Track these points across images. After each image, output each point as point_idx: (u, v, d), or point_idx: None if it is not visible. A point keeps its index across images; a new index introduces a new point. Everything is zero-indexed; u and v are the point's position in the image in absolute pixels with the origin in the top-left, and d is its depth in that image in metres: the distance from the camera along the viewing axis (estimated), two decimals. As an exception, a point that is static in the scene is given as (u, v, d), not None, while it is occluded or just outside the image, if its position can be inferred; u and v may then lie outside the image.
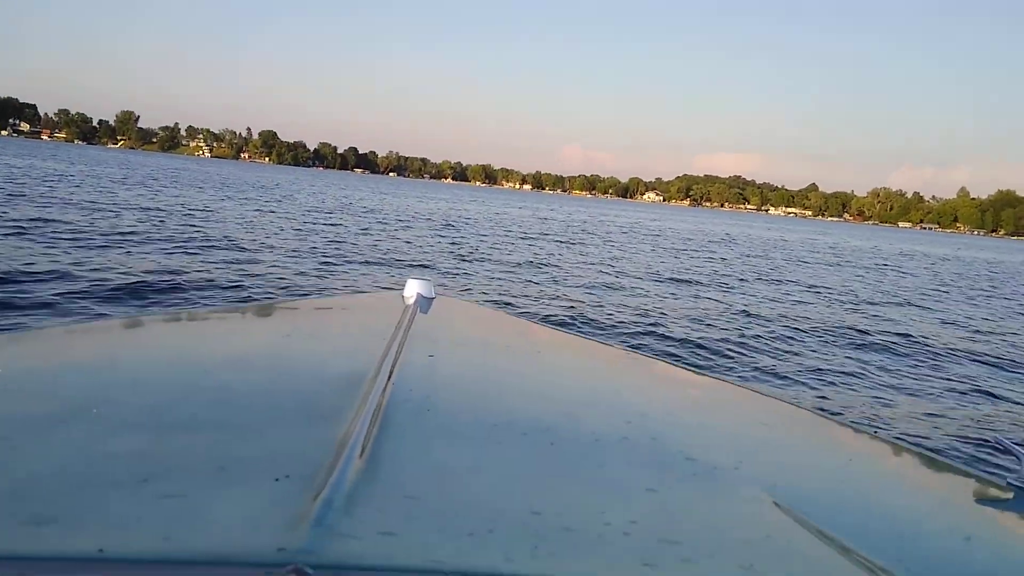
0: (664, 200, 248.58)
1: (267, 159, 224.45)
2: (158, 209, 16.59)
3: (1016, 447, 1.12)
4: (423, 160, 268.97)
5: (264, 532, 0.60)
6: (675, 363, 1.98)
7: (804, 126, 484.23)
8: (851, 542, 0.76)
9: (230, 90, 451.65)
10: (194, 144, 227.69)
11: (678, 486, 0.86)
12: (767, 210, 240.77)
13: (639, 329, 7.98)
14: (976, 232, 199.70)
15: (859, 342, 8.62)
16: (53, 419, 0.86)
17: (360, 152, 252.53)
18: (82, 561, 0.55)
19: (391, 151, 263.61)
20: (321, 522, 0.61)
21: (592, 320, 8.36)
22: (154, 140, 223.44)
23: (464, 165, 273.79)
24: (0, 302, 5.93)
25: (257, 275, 8.96)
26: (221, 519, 0.63)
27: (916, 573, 0.71)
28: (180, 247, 10.64)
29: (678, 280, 13.55)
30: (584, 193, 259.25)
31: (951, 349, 8.75)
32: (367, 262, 11.53)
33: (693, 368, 2.10)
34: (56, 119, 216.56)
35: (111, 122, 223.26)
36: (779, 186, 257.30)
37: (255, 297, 7.61)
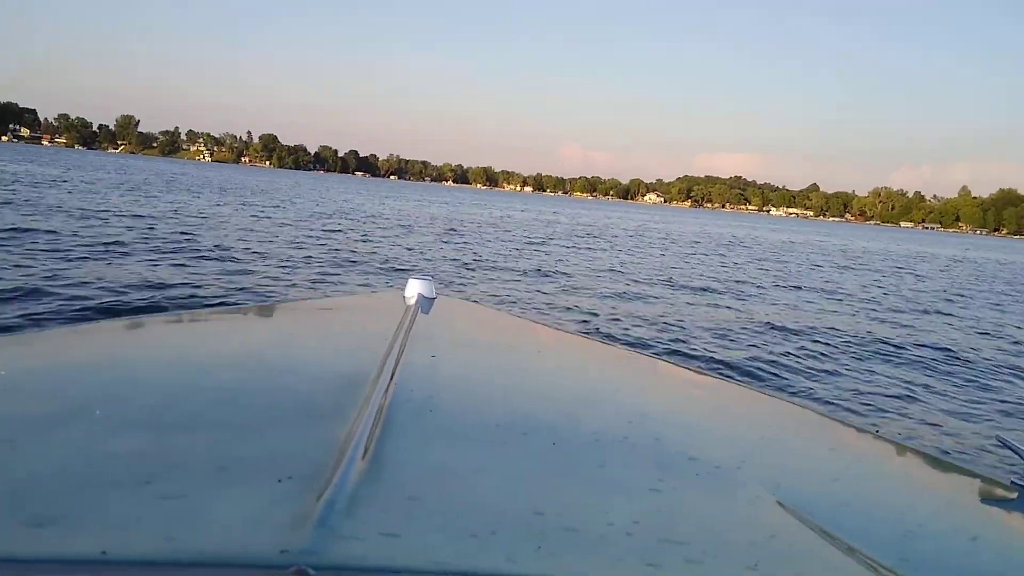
0: (665, 201, 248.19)
1: (268, 163, 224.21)
2: (150, 216, 15.96)
3: (1020, 445, 1.11)
4: (424, 163, 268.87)
5: (266, 533, 0.60)
6: (676, 362, 1.95)
7: (804, 126, 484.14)
8: (856, 542, 0.75)
9: (230, 94, 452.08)
10: (194, 148, 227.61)
11: (681, 486, 0.86)
12: (768, 211, 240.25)
13: (661, 347, 7.35)
14: (978, 231, 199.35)
15: (897, 357, 7.98)
16: (55, 420, 0.86)
17: (361, 155, 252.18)
18: (85, 563, 0.54)
19: (392, 154, 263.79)
20: (324, 523, 0.61)
21: (609, 335, 7.73)
22: (154, 144, 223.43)
23: (465, 168, 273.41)
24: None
25: (246, 288, 8.33)
26: (223, 520, 0.62)
27: (921, 572, 0.70)
28: (166, 257, 10.01)
29: (693, 288, 12.90)
30: (585, 195, 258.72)
31: (996, 365, 8.10)
32: (366, 272, 10.90)
33: (694, 367, 2.02)
34: (56, 124, 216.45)
35: (111, 127, 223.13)
36: (780, 186, 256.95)
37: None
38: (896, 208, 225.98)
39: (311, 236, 15.49)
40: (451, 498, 0.73)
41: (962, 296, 16.30)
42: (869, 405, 5.83)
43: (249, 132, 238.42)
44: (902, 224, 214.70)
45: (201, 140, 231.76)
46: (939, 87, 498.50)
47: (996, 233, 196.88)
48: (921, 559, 0.77)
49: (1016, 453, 1.10)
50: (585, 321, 8.50)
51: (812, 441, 1.29)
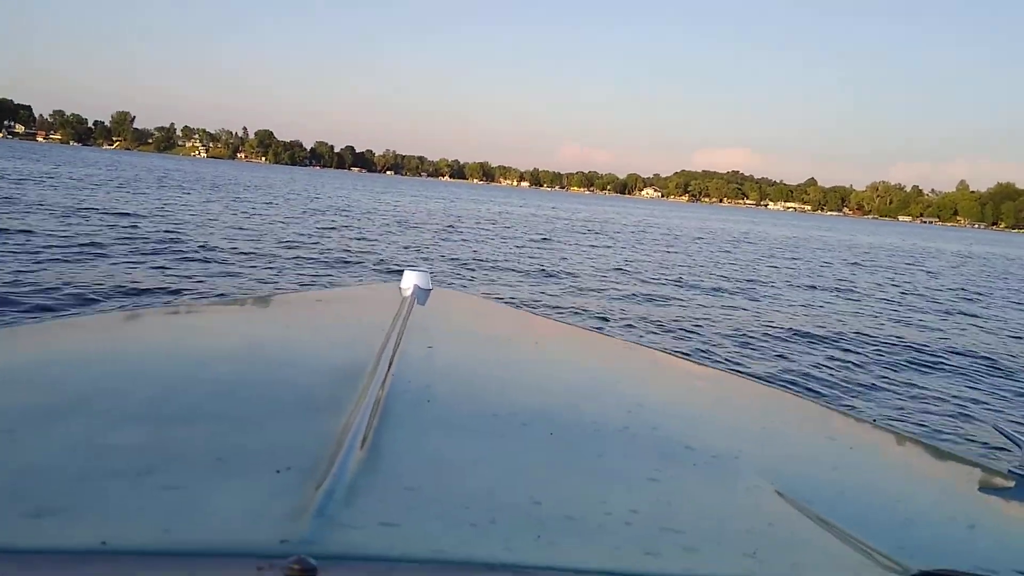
0: (662, 196, 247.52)
1: (263, 159, 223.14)
2: (135, 214, 15.28)
3: (1017, 435, 1.13)
4: (420, 158, 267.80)
5: (266, 524, 0.60)
6: (674, 353, 1.94)
7: (802, 121, 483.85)
8: (853, 530, 0.76)
9: (226, 91, 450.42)
10: (190, 144, 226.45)
11: (679, 475, 0.87)
12: (766, 205, 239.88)
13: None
14: (977, 225, 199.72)
15: (935, 367, 7.36)
16: (54, 411, 0.86)
17: (357, 151, 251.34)
18: (85, 554, 0.54)
19: (388, 149, 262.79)
20: (323, 513, 0.61)
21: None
22: (150, 141, 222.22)
23: (461, 163, 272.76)
24: None
25: (226, 296, 7.69)
26: (223, 511, 0.63)
27: (918, 560, 0.70)
28: (146, 259, 9.37)
29: (705, 289, 12.27)
30: (582, 190, 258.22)
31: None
32: (359, 275, 10.25)
33: (691, 358, 2.14)
34: (51, 120, 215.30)
35: (107, 123, 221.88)
36: (778, 181, 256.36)
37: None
38: (894, 202, 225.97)
39: (302, 235, 14.84)
40: (449, 488, 0.73)
41: (981, 295, 15.70)
42: (923, 426, 5.21)
43: (245, 128, 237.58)
44: (900, 218, 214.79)
45: (197, 136, 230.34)
46: (938, 84, 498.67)
47: (994, 227, 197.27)
48: (918, 547, 0.77)
49: (1013, 442, 1.11)
50: (598, 328, 7.87)
51: (810, 430, 1.29)
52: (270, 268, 9.82)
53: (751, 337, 8.02)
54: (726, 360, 6.69)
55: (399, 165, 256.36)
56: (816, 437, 1.25)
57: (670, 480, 0.84)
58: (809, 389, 5.94)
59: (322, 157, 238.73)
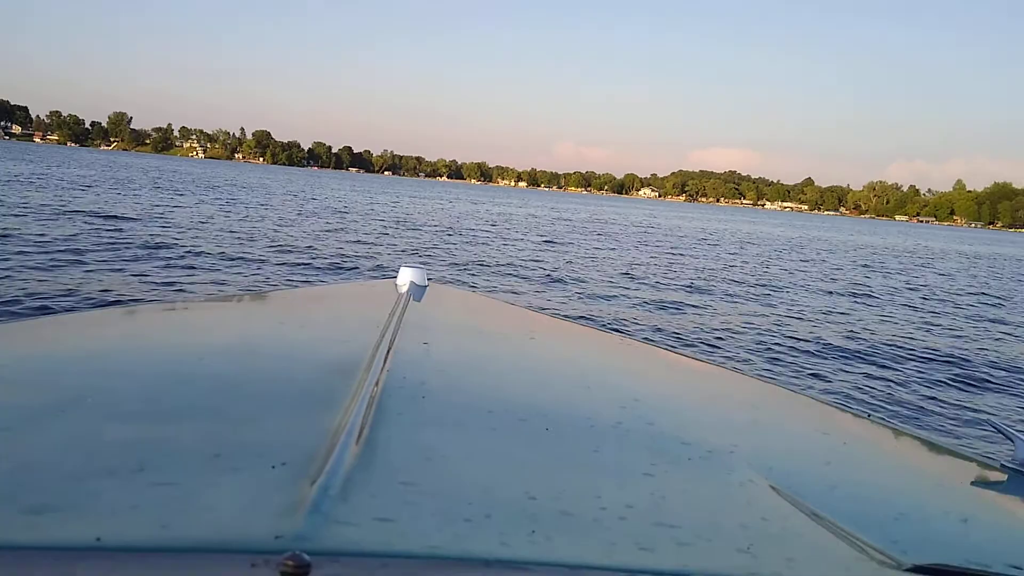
0: (660, 196, 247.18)
1: (261, 159, 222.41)
2: (121, 217, 14.67)
3: (1010, 430, 1.13)
4: (418, 158, 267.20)
5: (261, 519, 0.60)
6: (669, 347, 1.92)
7: (798, 120, 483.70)
8: (847, 524, 0.76)
9: (223, 91, 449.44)
10: (187, 145, 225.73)
11: (673, 470, 0.87)
12: (763, 204, 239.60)
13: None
14: (973, 224, 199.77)
15: (976, 381, 6.77)
16: (49, 409, 0.86)
17: (355, 151, 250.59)
18: (80, 550, 0.55)
19: (386, 150, 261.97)
20: (318, 509, 0.62)
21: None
22: (147, 141, 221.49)
23: (459, 163, 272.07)
24: None
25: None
26: (218, 507, 0.63)
27: (912, 555, 0.70)
28: (126, 266, 8.76)
29: (720, 295, 11.67)
30: (579, 189, 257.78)
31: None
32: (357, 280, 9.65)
33: (686, 352, 2.03)
34: (48, 121, 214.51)
35: (104, 124, 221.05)
36: (774, 180, 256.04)
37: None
38: (891, 202, 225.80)
39: (296, 238, 14.24)
40: (444, 483, 0.73)
41: (1002, 299, 15.13)
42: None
43: (242, 128, 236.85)
44: (897, 218, 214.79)
45: (194, 137, 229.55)
46: (935, 84, 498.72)
47: (991, 226, 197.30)
48: (912, 541, 0.77)
49: (1007, 437, 1.12)
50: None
51: (805, 425, 1.30)
52: (257, 273, 9.23)
53: (779, 351, 7.44)
54: (772, 379, 6.12)
55: (397, 165, 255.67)
56: (810, 431, 1.25)
57: (664, 475, 0.85)
58: (860, 404, 5.37)
59: (320, 157, 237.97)
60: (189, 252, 10.47)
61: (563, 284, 11.25)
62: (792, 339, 8.12)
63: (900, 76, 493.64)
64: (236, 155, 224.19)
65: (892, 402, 5.77)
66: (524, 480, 0.77)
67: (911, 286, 16.21)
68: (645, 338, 7.08)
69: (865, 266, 21.55)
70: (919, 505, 0.93)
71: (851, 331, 9.02)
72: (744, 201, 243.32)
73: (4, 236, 9.93)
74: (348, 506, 0.63)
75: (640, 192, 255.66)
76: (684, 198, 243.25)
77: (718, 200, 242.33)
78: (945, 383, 6.64)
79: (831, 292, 13.50)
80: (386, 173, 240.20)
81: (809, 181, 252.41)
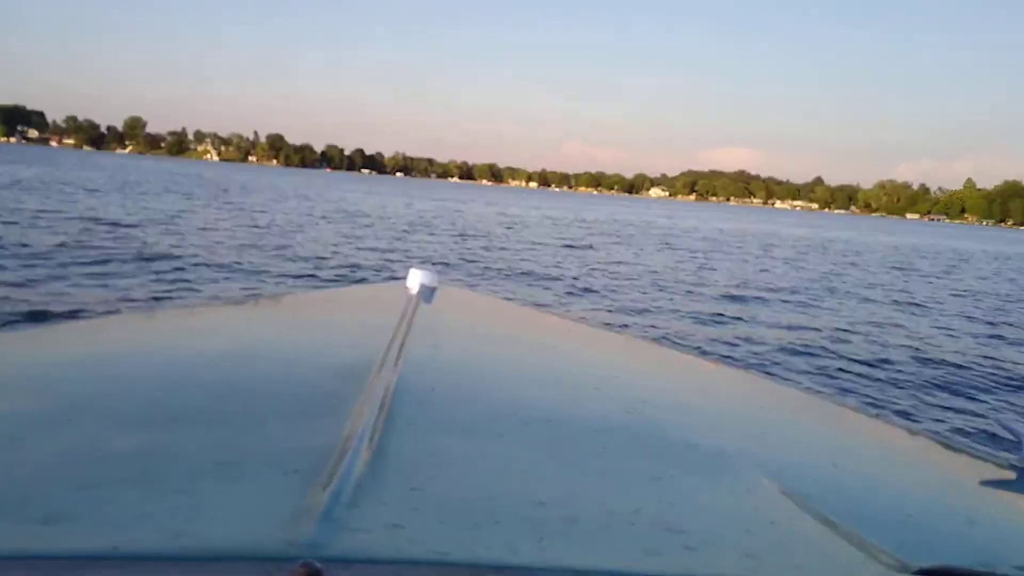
0: (670, 195, 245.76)
1: (274, 162, 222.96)
2: (117, 222, 14.09)
3: (1018, 428, 1.12)
4: (429, 160, 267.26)
5: (273, 527, 0.60)
6: (680, 348, 1.90)
7: (808, 120, 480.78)
8: (855, 527, 0.76)
9: (238, 94, 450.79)
10: (202, 148, 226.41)
11: (681, 473, 0.87)
12: (773, 203, 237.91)
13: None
14: (985, 223, 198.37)
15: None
16: (60, 416, 0.86)
17: (367, 153, 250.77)
18: (98, 559, 0.55)
19: (397, 151, 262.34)
20: (329, 516, 0.62)
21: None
22: (162, 145, 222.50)
23: (470, 164, 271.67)
24: None
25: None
26: (231, 514, 0.63)
27: (920, 557, 0.70)
28: (131, 269, 8.18)
29: (759, 302, 10.93)
30: (590, 190, 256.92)
31: None
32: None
33: (698, 353, 2.12)
34: (64, 126, 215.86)
35: (119, 128, 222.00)
36: (785, 180, 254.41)
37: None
38: (902, 200, 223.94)
39: (306, 243, 13.66)
40: (454, 488, 0.73)
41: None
42: None
43: (256, 132, 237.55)
44: (908, 216, 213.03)
45: (208, 140, 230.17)
46: (944, 82, 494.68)
47: (1002, 224, 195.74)
48: (920, 543, 0.77)
49: (1017, 436, 1.10)
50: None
51: (813, 426, 1.29)
52: (266, 277, 8.64)
53: (845, 375, 6.76)
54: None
55: (408, 167, 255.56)
56: (818, 432, 1.25)
57: (672, 478, 0.84)
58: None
59: (332, 160, 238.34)
60: (196, 256, 9.92)
61: (595, 294, 10.57)
62: (849, 355, 7.44)
63: (910, 74, 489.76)
64: (250, 158, 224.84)
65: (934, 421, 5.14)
66: (533, 485, 0.77)
67: (955, 292, 15.45)
68: (661, 338, 6.97)
69: (898, 268, 20.79)
70: (927, 506, 0.92)
71: (909, 345, 8.34)
72: (754, 200, 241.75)
73: (11, 242, 9.39)
74: (359, 513, 0.64)
75: (650, 192, 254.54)
76: (694, 198, 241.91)
77: (728, 199, 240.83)
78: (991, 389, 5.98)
79: (872, 300, 12.74)
80: (398, 175, 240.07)
81: (819, 180, 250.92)
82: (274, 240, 13.74)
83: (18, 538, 0.58)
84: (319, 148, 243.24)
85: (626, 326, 8.21)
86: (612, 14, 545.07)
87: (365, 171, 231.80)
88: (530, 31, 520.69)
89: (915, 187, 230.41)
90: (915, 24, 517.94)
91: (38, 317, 5.65)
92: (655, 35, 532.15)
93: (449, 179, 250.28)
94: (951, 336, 9.42)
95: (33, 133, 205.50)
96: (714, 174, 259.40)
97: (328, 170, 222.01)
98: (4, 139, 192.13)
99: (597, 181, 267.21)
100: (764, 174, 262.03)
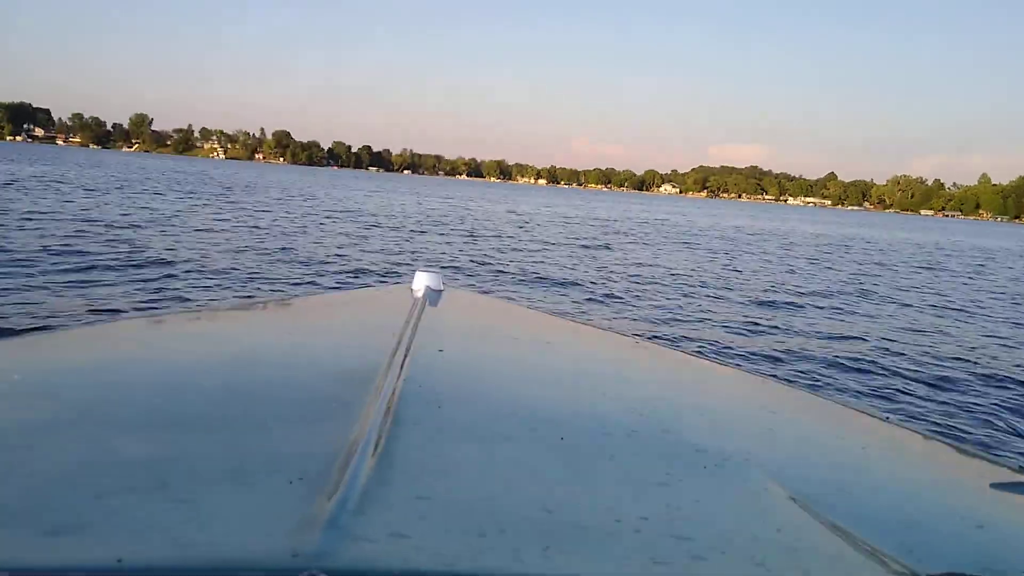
0: (680, 192, 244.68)
1: (281, 159, 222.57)
2: (109, 223, 13.45)
3: None
4: (437, 157, 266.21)
5: (278, 536, 0.60)
6: (688, 351, 1.89)
7: (820, 115, 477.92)
8: (864, 533, 0.76)
9: (244, 92, 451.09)
10: (208, 146, 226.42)
11: (688, 479, 0.86)
12: (785, 200, 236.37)
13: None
14: (999, 219, 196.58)
15: None
16: (67, 423, 0.86)
17: (374, 151, 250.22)
18: (102, 571, 0.55)
19: (405, 149, 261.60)
20: (334, 525, 0.62)
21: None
22: (168, 143, 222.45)
23: (478, 161, 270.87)
24: None
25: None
26: (236, 524, 0.63)
27: (930, 563, 0.70)
28: (133, 273, 7.51)
29: (799, 308, 10.21)
30: (600, 186, 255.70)
31: None
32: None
33: (705, 356, 2.05)
34: (70, 123, 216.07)
35: (125, 125, 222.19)
36: (797, 176, 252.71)
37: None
38: (915, 196, 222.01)
39: (312, 244, 12.98)
40: (460, 496, 0.73)
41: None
42: None
43: (262, 129, 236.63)
44: (922, 212, 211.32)
45: (215, 138, 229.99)
46: (958, 76, 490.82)
47: (1017, 220, 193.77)
48: (929, 548, 0.77)
49: None
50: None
51: (821, 429, 1.28)
52: (271, 279, 7.92)
53: (904, 397, 6.02)
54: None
55: (416, 164, 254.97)
56: (827, 436, 1.23)
57: (679, 484, 0.83)
58: None
59: (339, 157, 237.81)
60: (200, 257, 9.25)
61: (618, 301, 9.81)
62: (902, 371, 6.70)
63: (923, 68, 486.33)
64: (256, 155, 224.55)
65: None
66: (539, 492, 0.76)
67: (993, 294, 14.63)
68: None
69: (927, 268, 19.97)
70: (936, 511, 0.91)
71: (964, 358, 7.58)
72: (766, 197, 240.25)
73: (11, 246, 8.72)
74: (364, 521, 0.63)
75: (661, 188, 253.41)
76: (706, 194, 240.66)
77: (740, 196, 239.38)
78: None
79: (910, 304, 11.96)
80: (405, 172, 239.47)
81: (832, 176, 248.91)
82: (275, 243, 13.05)
83: (27, 549, 0.57)
84: (326, 145, 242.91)
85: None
86: (612, 14, 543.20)
87: (372, 168, 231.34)
88: (530, 31, 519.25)
89: (930, 182, 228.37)
90: (921, 22, 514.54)
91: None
92: (668, 31, 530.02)
93: (457, 176, 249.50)
94: (1006, 347, 8.65)
95: (39, 131, 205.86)
96: (725, 170, 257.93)
97: (335, 167, 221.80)
98: (10, 138, 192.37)
99: (607, 178, 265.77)
100: (776, 170, 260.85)
